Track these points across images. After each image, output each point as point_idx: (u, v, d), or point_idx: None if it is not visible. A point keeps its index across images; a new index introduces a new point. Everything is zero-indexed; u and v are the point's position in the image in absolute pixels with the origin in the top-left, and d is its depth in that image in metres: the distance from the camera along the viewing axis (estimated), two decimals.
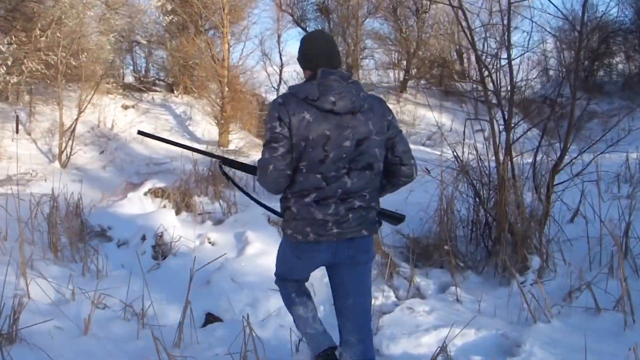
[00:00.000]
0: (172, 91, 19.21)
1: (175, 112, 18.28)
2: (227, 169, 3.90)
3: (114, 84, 17.42)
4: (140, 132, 4.16)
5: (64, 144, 12.40)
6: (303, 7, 24.44)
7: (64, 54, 12.32)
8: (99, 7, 14.66)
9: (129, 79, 20.05)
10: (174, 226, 7.33)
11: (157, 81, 20.00)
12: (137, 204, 8.57)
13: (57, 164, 12.22)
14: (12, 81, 11.47)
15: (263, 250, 6.55)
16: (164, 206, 8.55)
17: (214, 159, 4.23)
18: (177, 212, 8.43)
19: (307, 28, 23.48)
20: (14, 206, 6.83)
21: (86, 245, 6.87)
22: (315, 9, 24.28)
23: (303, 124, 3.21)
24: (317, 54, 3.43)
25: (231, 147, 16.47)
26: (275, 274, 3.86)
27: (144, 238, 7.09)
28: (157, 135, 4.36)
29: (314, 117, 3.23)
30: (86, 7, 13.67)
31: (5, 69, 11.21)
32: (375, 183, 3.44)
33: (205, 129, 17.33)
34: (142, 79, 19.53)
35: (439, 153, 8.05)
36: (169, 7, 16.91)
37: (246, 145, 16.51)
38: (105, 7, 14.74)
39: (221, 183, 9.89)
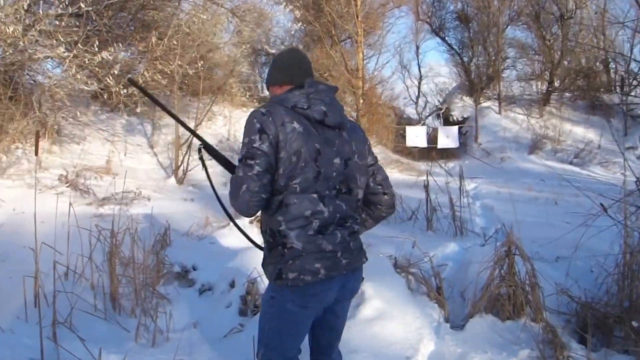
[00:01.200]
0: None
1: None
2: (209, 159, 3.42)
3: (250, 97, 16.62)
4: (130, 80, 3.58)
5: (180, 159, 11.27)
6: (441, 16, 23.39)
7: (180, 63, 11.16)
8: (225, 15, 13.57)
9: (267, 92, 19.32)
10: None
11: None
12: (240, 235, 7.12)
13: (173, 180, 11.12)
14: (122, 92, 10.43)
15: (382, 313, 4.88)
16: None
17: None
18: None
19: (446, 38, 22.20)
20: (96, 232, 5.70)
21: (154, 293, 5.39)
22: (454, 18, 23.14)
23: (294, 136, 2.81)
24: (299, 66, 3.08)
25: None
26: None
27: (232, 284, 5.57)
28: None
29: (304, 128, 2.86)
30: (209, 15, 12.57)
31: (112, 78, 10.19)
32: (358, 211, 3.11)
33: None
34: None
35: (589, 173, 6.03)
36: (298, 14, 15.68)
37: (382, 162, 14.96)
38: (230, 14, 13.58)
39: None
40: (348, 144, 2.98)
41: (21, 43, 8.89)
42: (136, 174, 10.84)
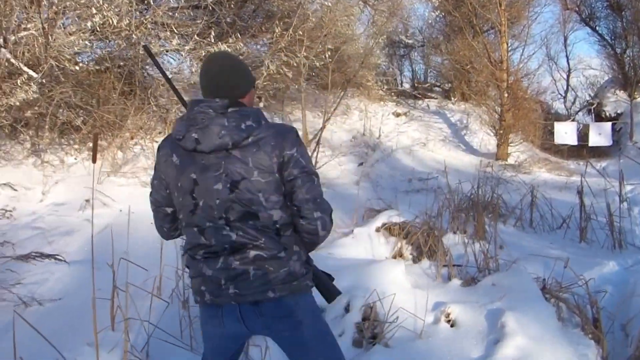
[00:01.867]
0: (449, 98, 17.22)
1: (450, 120, 16.13)
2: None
3: (387, 90, 15.90)
4: (145, 48, 3.27)
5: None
6: (591, 5, 21.39)
7: (306, 54, 10.44)
8: (357, 5, 12.78)
9: (406, 85, 18.61)
10: (400, 289, 4.94)
11: (433, 87, 18.19)
12: (364, 245, 6.27)
13: None
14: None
15: (527, 353, 3.90)
16: (399, 252, 6.18)
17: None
18: (416, 260, 6.07)
19: (597, 27, 20.42)
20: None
21: None
22: (605, 6, 21.07)
23: (172, 170, 2.67)
24: (203, 80, 2.72)
25: (510, 160, 13.89)
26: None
27: (348, 308, 4.68)
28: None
29: (181, 160, 2.64)
30: (340, 4, 11.83)
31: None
32: (270, 234, 2.62)
33: (483, 139, 14.93)
34: (417, 85, 17.85)
35: None
36: (435, 1, 14.63)
37: (528, 160, 13.76)
38: (362, 3, 12.75)
39: (487, 214, 7.36)
40: (240, 163, 2.59)
41: (134, 36, 8.53)
42: None
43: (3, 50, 7.89)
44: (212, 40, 9.08)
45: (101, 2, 7.99)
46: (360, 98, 15.55)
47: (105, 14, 8.08)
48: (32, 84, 7.64)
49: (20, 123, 8.38)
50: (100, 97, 8.99)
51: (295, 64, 10.49)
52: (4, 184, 7.50)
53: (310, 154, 10.27)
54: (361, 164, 12.05)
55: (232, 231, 2.61)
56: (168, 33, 8.69)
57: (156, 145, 9.99)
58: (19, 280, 5.22)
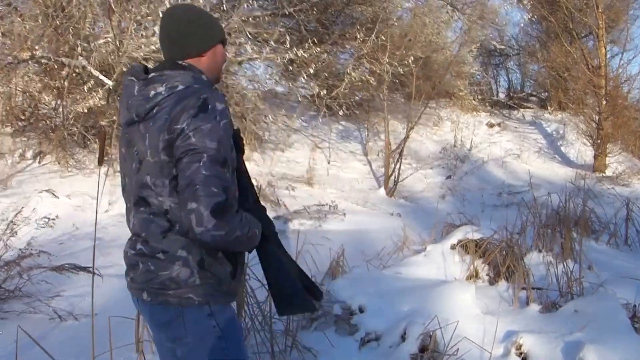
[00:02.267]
0: (546, 107, 16.36)
1: (546, 130, 15.29)
2: None
3: (481, 100, 15.26)
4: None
5: (391, 168, 10.11)
6: None
7: (389, 61, 9.94)
8: (445, 10, 12.21)
9: (501, 95, 17.84)
10: (467, 315, 4.41)
11: (529, 97, 17.35)
12: (436, 263, 5.71)
13: (382, 191, 9.98)
14: (322, 93, 9.53)
15: None
16: (474, 272, 5.61)
17: None
18: (492, 282, 5.49)
19: None
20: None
21: (295, 344, 3.96)
22: None
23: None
24: (162, 40, 2.33)
25: (608, 172, 12.94)
26: None
27: (404, 336, 4.14)
28: None
29: (121, 133, 2.34)
30: (426, 9, 11.32)
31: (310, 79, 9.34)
32: (157, 228, 2.18)
33: (580, 150, 14.02)
34: (512, 94, 17.07)
35: None
36: (527, 4, 13.81)
37: (626, 171, 12.77)
38: (450, 8, 12.16)
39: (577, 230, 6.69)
40: (142, 139, 2.17)
41: None
42: (341, 184, 9.85)
43: (80, 58, 7.85)
44: (288, 46, 8.75)
45: None
46: (452, 108, 14.95)
47: None
48: (99, 89, 7.53)
49: (92, 131, 8.31)
50: None
51: (378, 72, 10.05)
52: (44, 191, 7.41)
53: (393, 165, 9.82)
54: (449, 176, 11.47)
55: (133, 217, 2.28)
56: (242, 39, 8.41)
57: None
58: (58, 293, 4.99)
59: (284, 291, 2.33)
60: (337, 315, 4.42)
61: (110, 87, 7.92)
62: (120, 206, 7.47)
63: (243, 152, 2.33)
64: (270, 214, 7.60)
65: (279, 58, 8.78)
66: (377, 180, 10.48)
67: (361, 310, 4.50)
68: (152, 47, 7.87)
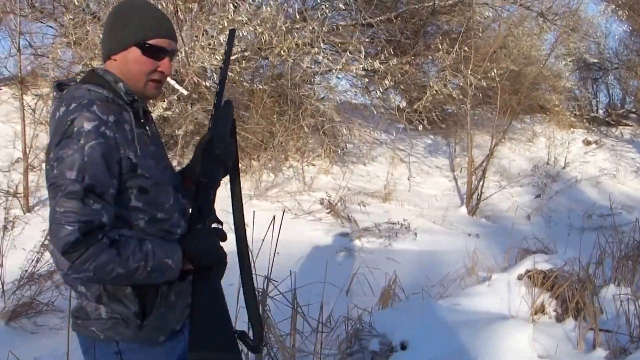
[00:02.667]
0: None
1: None
2: None
3: (579, 117, 14.46)
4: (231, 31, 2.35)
5: (473, 185, 9.58)
6: None
7: (473, 73, 9.42)
8: (534, 20, 11.54)
9: (600, 111, 16.88)
10: (520, 358, 3.94)
11: (628, 113, 16.34)
12: (500, 295, 5.20)
13: (463, 209, 9.47)
14: (401, 104, 9.16)
15: None
16: (541, 307, 5.10)
17: None
18: (560, 319, 4.96)
19: None
20: None
21: None
22: None
23: None
24: None
25: None
26: None
27: None
28: None
29: None
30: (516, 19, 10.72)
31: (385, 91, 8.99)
32: None
33: None
34: (610, 111, 16.10)
35: None
36: (623, 15, 12.90)
37: None
38: (541, 19, 11.47)
39: None
40: None
41: (282, 52, 8.06)
42: (420, 200, 9.39)
43: None
44: (368, 57, 8.45)
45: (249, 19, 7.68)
46: (548, 124, 14.19)
47: (255, 29, 7.77)
48: (167, 98, 7.47)
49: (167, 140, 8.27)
50: (249, 115, 8.67)
51: (461, 84, 9.60)
52: None
53: (476, 183, 9.31)
54: (538, 195, 10.80)
55: None
56: (316, 49, 8.15)
57: (312, 169, 9.56)
58: None
59: (207, 332, 2.00)
60: (374, 352, 4.04)
61: (184, 96, 7.86)
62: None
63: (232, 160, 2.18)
64: (338, 229, 7.39)
65: (354, 69, 8.47)
66: (461, 198, 9.98)
67: (403, 347, 4.09)
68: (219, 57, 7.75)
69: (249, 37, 8.03)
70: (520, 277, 5.35)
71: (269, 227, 3.70)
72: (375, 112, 10.12)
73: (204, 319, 1.97)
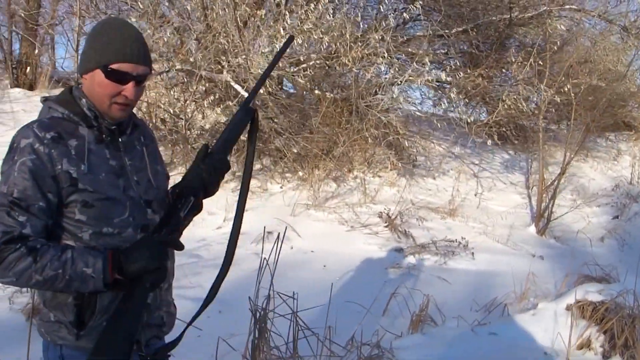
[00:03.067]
0: None
1: None
2: None
3: None
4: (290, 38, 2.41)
5: (543, 204, 9.14)
6: None
7: (548, 88, 8.98)
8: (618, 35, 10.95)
9: None
10: None
11: None
12: (544, 325, 4.92)
13: (532, 228, 9.05)
14: (469, 119, 8.83)
15: None
16: (587, 342, 4.75)
17: None
18: (607, 355, 4.61)
19: None
20: None
21: None
22: None
23: None
24: None
25: None
26: None
27: None
28: None
29: None
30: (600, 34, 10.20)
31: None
32: None
33: None
34: None
35: None
36: None
37: None
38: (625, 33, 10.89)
39: None
40: None
41: (348, 61, 7.90)
42: (487, 217, 9.01)
43: (225, 73, 7.86)
44: (429, 68, 8.22)
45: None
46: (635, 142, 13.48)
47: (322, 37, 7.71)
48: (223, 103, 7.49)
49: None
50: (309, 125, 8.57)
51: (535, 99, 9.22)
52: None
53: (546, 202, 8.88)
54: (616, 216, 10.23)
55: None
56: (380, 59, 7.98)
57: (379, 180, 9.37)
58: None
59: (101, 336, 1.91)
60: None
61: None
62: None
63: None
64: (393, 245, 7.19)
65: (420, 81, 8.25)
66: (532, 216, 9.55)
67: None
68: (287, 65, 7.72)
69: (317, 46, 7.97)
70: (568, 308, 5.02)
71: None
72: (446, 125, 9.83)
73: (108, 324, 1.92)
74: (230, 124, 2.19)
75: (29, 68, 11.28)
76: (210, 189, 2.16)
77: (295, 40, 7.75)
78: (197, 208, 2.14)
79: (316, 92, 8.86)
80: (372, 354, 4.03)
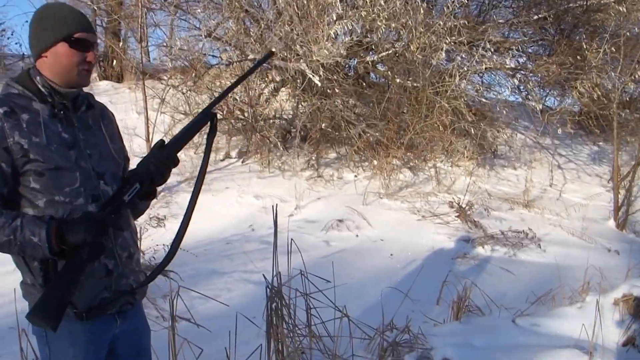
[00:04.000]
0: None
1: None
2: None
3: None
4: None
5: (621, 197, 8.95)
6: None
7: (620, 76, 8.73)
8: None
9: None
10: None
11: None
12: (590, 319, 4.90)
13: (612, 222, 8.88)
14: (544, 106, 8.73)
15: None
16: (631, 339, 4.75)
17: None
18: None
19: None
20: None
21: None
22: None
23: None
24: None
25: None
26: None
27: None
28: None
29: None
30: None
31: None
32: None
33: None
34: None
35: None
36: None
37: None
38: None
39: None
40: None
41: (416, 48, 8.00)
42: (564, 210, 8.91)
43: (302, 61, 8.13)
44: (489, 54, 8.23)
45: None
46: None
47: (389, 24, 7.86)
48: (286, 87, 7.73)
49: (296, 134, 8.54)
50: (378, 112, 8.70)
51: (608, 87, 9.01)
52: (226, 189, 7.63)
53: (622, 195, 8.70)
54: None
55: None
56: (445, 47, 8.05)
57: (456, 170, 9.42)
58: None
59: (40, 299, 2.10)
60: None
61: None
62: (307, 212, 7.61)
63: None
64: (462, 234, 7.27)
65: (495, 68, 8.26)
66: (613, 210, 9.38)
67: None
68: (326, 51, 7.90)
69: (387, 35, 8.11)
70: (616, 302, 5.04)
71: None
72: (526, 114, 9.76)
73: (45, 289, 2.10)
74: (188, 125, 2.40)
75: (114, 61, 12.02)
76: (156, 180, 2.33)
77: (367, 28, 7.97)
78: (150, 194, 2.39)
79: (397, 80, 9.00)
80: (402, 339, 4.23)
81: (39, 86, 2.22)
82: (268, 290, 3.60)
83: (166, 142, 2.34)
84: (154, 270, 2.35)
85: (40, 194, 2.16)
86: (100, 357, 2.32)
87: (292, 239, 3.68)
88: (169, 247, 2.27)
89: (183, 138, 2.37)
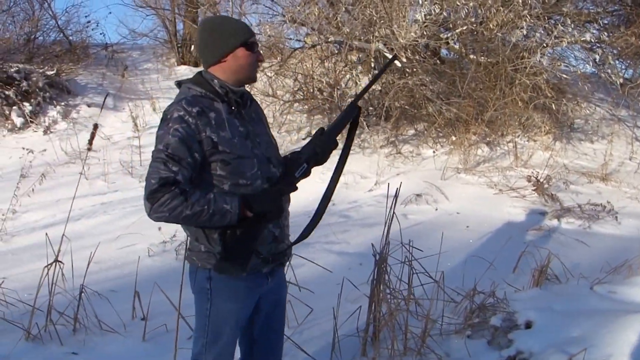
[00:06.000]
0: None
1: None
2: None
3: None
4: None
5: None
6: None
7: None
8: None
9: None
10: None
11: None
12: None
13: None
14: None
15: None
16: None
17: None
18: None
19: None
20: None
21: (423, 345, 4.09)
22: None
23: None
24: None
25: None
26: None
27: None
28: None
29: None
30: None
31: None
32: None
33: None
34: None
35: None
36: None
37: None
38: None
39: None
40: None
41: (493, 26, 8.14)
42: (632, 182, 8.96)
43: (375, 43, 8.39)
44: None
45: None
46: None
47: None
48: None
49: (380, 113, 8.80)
50: (461, 89, 8.87)
51: None
52: None
53: None
54: None
55: None
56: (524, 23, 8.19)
57: (533, 144, 9.50)
58: None
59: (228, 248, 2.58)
60: (494, 326, 4.33)
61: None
62: (386, 187, 7.88)
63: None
64: (539, 208, 7.42)
65: (566, 41, 8.35)
66: None
67: (528, 326, 4.30)
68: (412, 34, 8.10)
69: (462, 11, 8.29)
70: None
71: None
72: (603, 87, 9.76)
73: (235, 240, 2.56)
74: (340, 116, 2.85)
75: (192, 47, 12.56)
76: (320, 160, 2.78)
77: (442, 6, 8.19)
78: (308, 174, 2.78)
79: (471, 56, 9.17)
80: (487, 302, 4.55)
81: (216, 88, 2.62)
82: (377, 256, 3.97)
83: (326, 128, 2.80)
84: (304, 231, 2.79)
85: (226, 179, 2.57)
86: (251, 310, 2.82)
87: (394, 212, 3.98)
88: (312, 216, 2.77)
89: (337, 127, 2.82)
